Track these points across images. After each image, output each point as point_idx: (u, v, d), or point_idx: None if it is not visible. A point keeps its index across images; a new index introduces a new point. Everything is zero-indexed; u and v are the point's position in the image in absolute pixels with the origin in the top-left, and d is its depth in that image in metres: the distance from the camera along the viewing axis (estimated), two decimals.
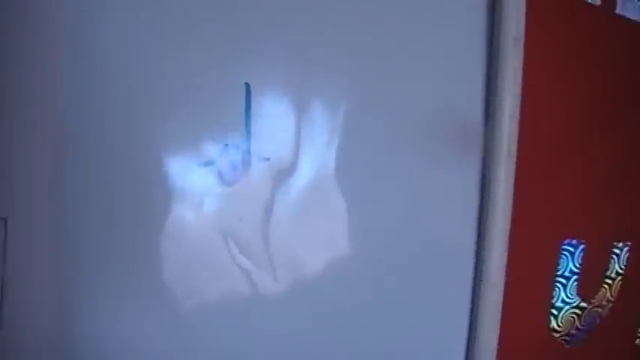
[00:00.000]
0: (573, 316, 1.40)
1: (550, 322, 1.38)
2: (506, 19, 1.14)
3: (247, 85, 0.98)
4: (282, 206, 1.04)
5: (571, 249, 1.37)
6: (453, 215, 1.19)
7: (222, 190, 0.99)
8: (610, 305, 1.42)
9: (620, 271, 1.44)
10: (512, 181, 1.19)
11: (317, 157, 1.06)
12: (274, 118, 1.02)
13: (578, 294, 1.39)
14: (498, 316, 1.20)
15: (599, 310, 1.42)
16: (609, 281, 1.44)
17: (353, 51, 1.07)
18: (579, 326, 1.41)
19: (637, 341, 1.53)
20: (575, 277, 1.38)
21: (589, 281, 1.40)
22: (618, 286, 1.45)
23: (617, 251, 1.43)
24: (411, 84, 1.12)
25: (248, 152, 0.98)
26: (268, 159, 1.00)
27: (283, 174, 1.03)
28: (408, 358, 1.16)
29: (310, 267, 1.09)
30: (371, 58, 1.09)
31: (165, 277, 0.99)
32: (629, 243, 1.44)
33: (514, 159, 1.19)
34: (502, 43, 1.15)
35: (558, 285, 1.37)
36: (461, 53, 1.15)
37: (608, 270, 1.43)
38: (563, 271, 1.37)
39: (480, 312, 1.18)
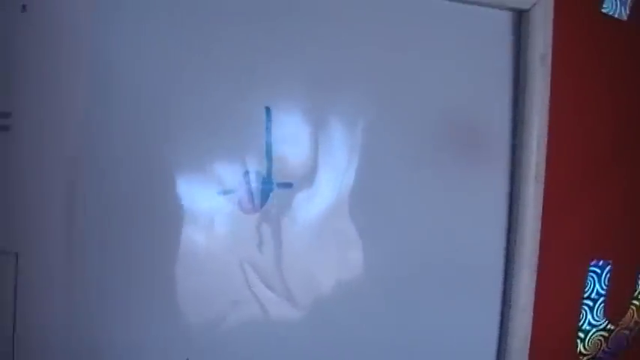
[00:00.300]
0: (600, 338, 1.35)
1: (577, 345, 1.33)
2: (533, 35, 1.10)
3: (267, 109, 0.93)
4: (303, 231, 1.00)
5: (598, 270, 1.32)
6: (479, 238, 1.14)
7: (241, 218, 0.95)
8: (638, 327, 1.37)
9: None
10: (540, 201, 1.14)
11: (339, 178, 1.01)
12: (295, 142, 0.98)
13: (605, 316, 1.34)
14: (528, 342, 1.15)
15: (627, 332, 1.37)
16: (637, 302, 1.39)
17: (378, 68, 1.03)
18: (606, 349, 1.36)
19: None
20: (601, 298, 1.33)
21: (616, 303, 1.35)
22: None
23: None
24: (437, 102, 1.08)
25: (269, 179, 0.94)
26: (291, 185, 0.96)
27: (305, 198, 0.99)
28: None
29: (333, 293, 1.04)
30: (395, 75, 1.05)
31: (184, 307, 0.95)
32: None
33: (542, 179, 1.14)
34: (529, 59, 1.10)
35: (585, 308, 1.32)
36: (487, 70, 1.11)
37: (635, 291, 1.38)
38: (590, 293, 1.32)
39: (510, 337, 1.14)
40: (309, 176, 0.99)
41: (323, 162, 1.00)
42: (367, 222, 1.05)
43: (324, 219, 1.00)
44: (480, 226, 1.12)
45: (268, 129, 0.93)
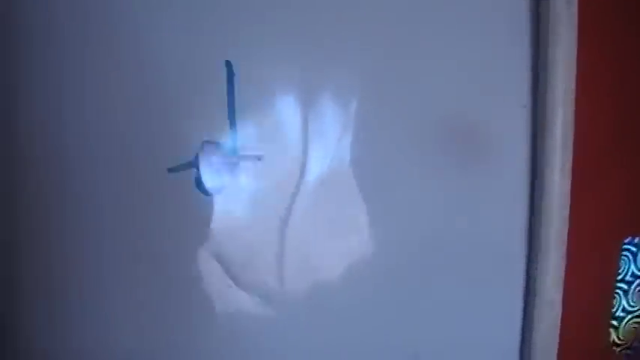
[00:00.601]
0: (636, 326, 1.18)
1: (610, 335, 1.16)
2: None
3: (229, 65, 0.75)
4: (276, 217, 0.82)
5: (633, 249, 1.14)
6: (498, 218, 0.96)
7: (200, 200, 0.76)
8: None
9: None
10: (568, 171, 0.95)
11: (330, 152, 0.83)
12: (266, 104, 0.79)
13: None
14: (556, 334, 0.98)
15: None
16: None
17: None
18: None
19: None
20: (638, 280, 1.16)
21: None
22: None
23: None
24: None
25: (234, 151, 0.76)
26: (259, 159, 0.77)
27: (284, 176, 0.80)
28: None
29: (322, 286, 0.88)
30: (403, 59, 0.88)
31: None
32: None
33: (570, 155, 0.96)
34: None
35: (619, 292, 1.15)
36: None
37: None
38: (624, 275, 1.15)
39: (535, 332, 0.96)
40: (289, 150, 0.80)
41: (310, 136, 0.81)
42: (364, 207, 0.87)
43: (307, 203, 0.82)
44: (500, 204, 0.94)
45: (231, 89, 0.75)
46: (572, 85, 0.94)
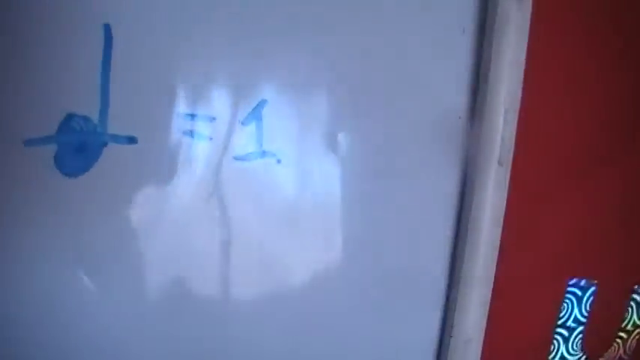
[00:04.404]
0: None
1: None
2: None
3: (107, 28, 0.64)
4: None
5: (578, 292, 1.05)
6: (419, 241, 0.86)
7: (62, 183, 0.66)
8: None
9: None
10: (504, 192, 0.85)
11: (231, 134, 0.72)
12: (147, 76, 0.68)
13: (582, 349, 1.06)
14: None
15: None
16: (624, 335, 1.11)
17: None
18: None
19: None
20: (580, 327, 1.06)
21: (599, 334, 1.08)
22: (634, 342, 1.12)
23: (638, 297, 1.10)
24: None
25: (102, 127, 0.65)
26: (135, 140, 0.67)
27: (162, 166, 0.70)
28: None
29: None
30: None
31: None
32: None
33: (508, 168, 0.86)
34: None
35: (557, 337, 1.04)
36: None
37: (624, 320, 1.10)
38: (566, 320, 1.04)
39: None
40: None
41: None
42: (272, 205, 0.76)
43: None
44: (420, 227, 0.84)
45: (106, 55, 0.64)
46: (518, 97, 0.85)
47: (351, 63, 0.76)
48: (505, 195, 0.86)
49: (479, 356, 0.87)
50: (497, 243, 0.86)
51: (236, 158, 0.70)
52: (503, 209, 0.86)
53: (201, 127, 0.69)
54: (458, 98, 0.83)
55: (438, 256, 0.88)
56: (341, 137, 0.76)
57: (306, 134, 0.73)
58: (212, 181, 0.70)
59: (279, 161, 0.72)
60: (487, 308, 0.87)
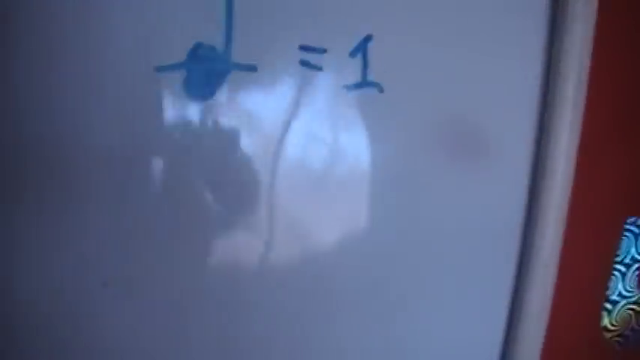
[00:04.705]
0: (630, 312, 1.13)
1: (602, 319, 1.10)
2: None
3: None
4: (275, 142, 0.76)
5: (635, 230, 1.10)
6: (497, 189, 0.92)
7: (188, 106, 0.72)
8: None
9: None
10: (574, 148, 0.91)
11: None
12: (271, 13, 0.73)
13: (638, 286, 1.11)
14: (546, 313, 0.93)
15: None
16: (636, 307, 1.16)
17: None
18: (636, 326, 1.13)
19: None
20: (637, 265, 1.11)
21: None
22: None
23: None
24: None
25: (226, 56, 0.71)
26: (255, 68, 0.72)
27: (279, 93, 0.75)
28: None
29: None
30: None
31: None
32: None
33: (577, 132, 0.92)
34: None
35: (616, 274, 1.10)
36: None
37: None
38: (624, 258, 1.10)
39: (524, 305, 0.92)
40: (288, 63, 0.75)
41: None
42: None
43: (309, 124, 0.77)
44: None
45: None
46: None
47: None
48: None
49: (554, 281, 0.93)
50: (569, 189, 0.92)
51: (345, 87, 0.76)
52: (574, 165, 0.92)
53: (314, 58, 0.75)
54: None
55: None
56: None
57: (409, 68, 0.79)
58: (324, 108, 0.76)
59: (381, 91, 0.78)
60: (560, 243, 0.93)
